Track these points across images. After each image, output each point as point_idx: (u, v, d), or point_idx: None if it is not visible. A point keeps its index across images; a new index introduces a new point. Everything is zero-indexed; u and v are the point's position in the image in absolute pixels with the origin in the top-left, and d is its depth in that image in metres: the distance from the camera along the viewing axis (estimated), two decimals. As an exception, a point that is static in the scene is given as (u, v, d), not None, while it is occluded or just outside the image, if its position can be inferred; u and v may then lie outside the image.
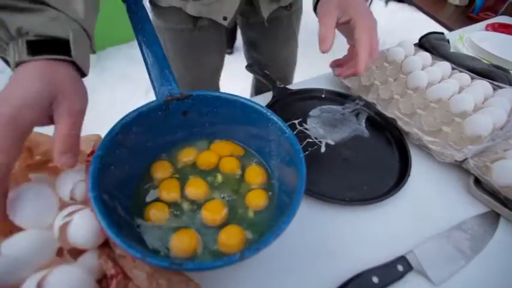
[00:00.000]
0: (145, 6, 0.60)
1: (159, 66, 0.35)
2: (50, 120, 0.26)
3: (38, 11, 0.27)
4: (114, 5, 2.03)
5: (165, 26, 0.63)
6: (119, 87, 1.75)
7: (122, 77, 1.81)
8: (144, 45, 0.37)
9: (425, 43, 0.67)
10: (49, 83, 0.25)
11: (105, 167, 0.27)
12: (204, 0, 0.55)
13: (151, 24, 0.39)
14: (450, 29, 1.10)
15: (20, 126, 0.23)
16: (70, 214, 0.25)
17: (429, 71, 0.53)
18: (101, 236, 0.26)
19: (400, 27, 2.67)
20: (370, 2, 2.31)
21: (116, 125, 0.29)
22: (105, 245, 0.26)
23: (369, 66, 0.52)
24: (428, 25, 1.23)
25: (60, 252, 0.25)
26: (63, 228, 0.25)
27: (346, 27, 0.40)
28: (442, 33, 0.70)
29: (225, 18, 0.57)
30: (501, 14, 1.11)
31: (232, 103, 0.33)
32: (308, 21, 0.72)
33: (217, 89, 0.91)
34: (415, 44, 0.67)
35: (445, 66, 0.56)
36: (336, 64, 0.46)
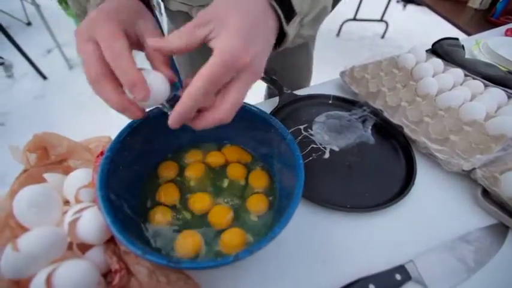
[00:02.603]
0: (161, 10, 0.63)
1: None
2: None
3: None
4: None
5: (174, 28, 0.66)
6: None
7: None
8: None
9: (438, 49, 0.66)
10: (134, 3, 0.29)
11: (113, 168, 0.28)
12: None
13: (161, 29, 0.41)
14: (469, 34, 1.07)
15: (117, 20, 0.26)
16: (79, 211, 0.27)
17: (440, 78, 0.52)
18: (107, 233, 0.27)
19: (418, 30, 2.61)
20: (387, 5, 2.27)
21: (125, 128, 0.31)
22: (111, 241, 0.28)
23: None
24: (447, 29, 1.20)
25: (69, 247, 0.27)
26: (73, 224, 0.26)
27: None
28: (457, 39, 0.68)
29: None
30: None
31: (237, 109, 0.34)
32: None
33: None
34: (427, 50, 0.66)
35: (458, 73, 0.55)
36: None
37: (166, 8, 0.63)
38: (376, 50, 2.27)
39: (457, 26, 1.14)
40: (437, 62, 0.57)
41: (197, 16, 0.25)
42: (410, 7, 2.85)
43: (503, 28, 0.90)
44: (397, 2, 2.87)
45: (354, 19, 2.29)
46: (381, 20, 2.34)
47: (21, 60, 1.79)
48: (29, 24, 2.48)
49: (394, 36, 2.44)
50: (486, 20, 1.16)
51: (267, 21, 0.27)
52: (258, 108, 0.34)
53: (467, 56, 0.70)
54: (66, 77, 1.90)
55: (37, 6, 1.72)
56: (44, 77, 1.86)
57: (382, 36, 2.41)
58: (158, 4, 0.54)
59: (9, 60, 1.92)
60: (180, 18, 0.63)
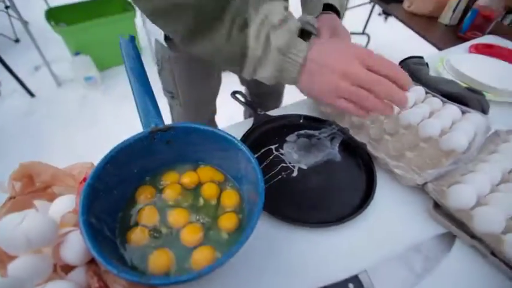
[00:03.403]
0: (158, 41, 0.66)
1: (145, 101, 0.40)
2: None
3: None
4: (116, 23, 2.14)
5: (177, 56, 0.69)
6: (121, 104, 1.83)
7: (124, 95, 1.90)
8: (133, 82, 0.42)
9: (404, 67, 0.71)
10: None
11: (94, 194, 0.31)
12: None
13: (140, 62, 0.44)
14: (440, 49, 1.14)
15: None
16: (63, 235, 0.30)
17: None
18: (89, 254, 0.30)
19: (399, 43, 2.71)
20: (368, 18, 2.38)
21: (106, 156, 0.34)
22: (92, 262, 0.31)
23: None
24: (425, 42, 1.28)
25: (54, 268, 0.30)
26: (57, 247, 0.29)
27: None
28: (421, 57, 0.74)
29: None
30: (489, 33, 1.15)
31: (208, 134, 0.38)
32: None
33: (215, 109, 0.97)
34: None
35: (419, 90, 0.60)
36: None
37: (169, 39, 0.65)
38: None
39: (429, 42, 1.21)
40: (401, 82, 0.62)
41: None
42: (392, 20, 2.98)
43: (467, 44, 0.97)
44: (379, 14, 2.99)
45: (337, 32, 2.38)
46: (363, 33, 2.44)
47: (9, 77, 1.80)
48: (17, 41, 2.49)
49: (376, 48, 2.55)
50: (455, 36, 1.24)
51: None
52: (228, 134, 0.37)
53: (433, 72, 0.76)
54: (54, 94, 1.91)
55: (25, 23, 1.73)
56: (32, 95, 1.86)
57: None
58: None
59: (-4, 78, 1.93)
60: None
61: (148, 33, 1.99)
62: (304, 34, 0.41)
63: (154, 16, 0.40)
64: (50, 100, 1.86)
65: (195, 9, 0.36)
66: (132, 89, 0.42)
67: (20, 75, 1.85)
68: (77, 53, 1.78)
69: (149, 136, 0.38)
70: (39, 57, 1.84)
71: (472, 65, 0.76)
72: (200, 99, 0.86)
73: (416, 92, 0.59)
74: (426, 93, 0.61)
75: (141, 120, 0.39)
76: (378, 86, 0.34)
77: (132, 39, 0.45)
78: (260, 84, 0.41)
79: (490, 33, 1.16)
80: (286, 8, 0.39)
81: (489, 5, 1.10)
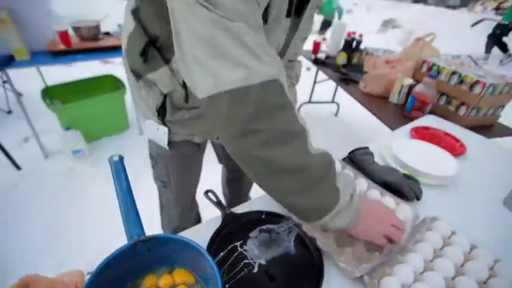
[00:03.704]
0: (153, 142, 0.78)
1: (129, 214, 0.49)
2: None
3: None
4: (107, 100, 2.31)
5: (172, 154, 0.79)
6: (108, 177, 1.87)
7: (112, 166, 1.96)
8: (120, 197, 0.51)
9: (352, 158, 0.85)
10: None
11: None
12: (207, 131, 0.74)
13: (127, 180, 0.54)
14: (391, 127, 1.33)
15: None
16: None
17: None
18: None
19: (362, 110, 3.05)
20: (336, 89, 2.69)
21: (95, 271, 0.42)
22: None
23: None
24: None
25: None
26: None
27: None
28: (367, 148, 0.89)
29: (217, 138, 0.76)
30: (429, 113, 1.37)
31: (182, 243, 0.46)
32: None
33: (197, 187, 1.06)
34: (344, 158, 0.86)
35: (363, 183, 0.72)
36: None
37: (169, 142, 0.75)
38: (331, 128, 2.61)
39: (381, 120, 1.41)
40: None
41: None
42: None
43: (409, 126, 1.15)
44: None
45: (309, 102, 2.68)
46: (333, 102, 2.75)
47: (-3, 150, 1.85)
48: (9, 112, 2.60)
49: (346, 114, 2.84)
50: (402, 114, 1.45)
51: None
52: (197, 244, 0.46)
53: (379, 158, 0.91)
54: (40, 166, 1.96)
55: (18, 95, 1.80)
56: (18, 167, 1.90)
57: (336, 115, 2.79)
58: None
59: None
60: (182, 145, 0.77)
61: (136, 111, 2.16)
62: None
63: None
64: (36, 173, 1.89)
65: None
66: (119, 202, 0.51)
67: (9, 146, 1.90)
68: (67, 128, 1.89)
69: (132, 247, 0.46)
70: (29, 129, 1.91)
71: (410, 151, 0.91)
72: (190, 184, 0.97)
73: (360, 184, 0.72)
74: (368, 184, 0.73)
75: (125, 232, 0.48)
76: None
77: (122, 159, 0.56)
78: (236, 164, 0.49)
79: (430, 112, 1.38)
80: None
81: (424, 92, 1.34)
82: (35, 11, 1.69)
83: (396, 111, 1.50)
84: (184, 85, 0.62)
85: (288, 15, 0.54)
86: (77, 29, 1.91)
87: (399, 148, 0.92)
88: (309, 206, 0.47)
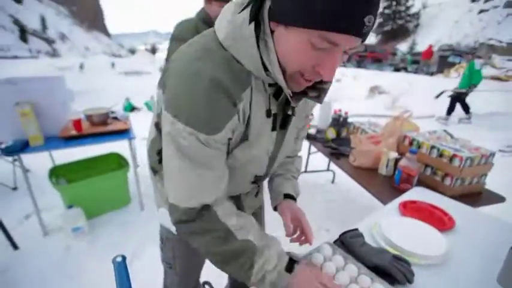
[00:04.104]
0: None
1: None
2: None
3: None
4: (111, 178, 2.40)
5: (179, 237, 0.83)
6: (105, 255, 1.84)
7: (110, 245, 1.95)
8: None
9: (343, 240, 0.89)
10: None
11: None
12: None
13: (128, 279, 0.58)
14: (381, 200, 1.39)
15: None
16: None
17: (340, 275, 0.72)
18: None
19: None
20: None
21: None
22: None
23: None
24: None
25: None
26: None
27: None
28: (356, 229, 0.93)
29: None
30: (417, 184, 1.44)
31: None
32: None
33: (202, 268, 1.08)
34: (335, 241, 0.89)
35: (352, 270, 0.75)
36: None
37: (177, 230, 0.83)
38: (329, 197, 2.65)
39: (372, 195, 1.48)
40: (339, 259, 0.78)
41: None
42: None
43: (398, 200, 1.20)
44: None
45: (305, 171, 2.78)
46: (328, 170, 2.85)
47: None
48: (15, 189, 2.67)
49: (342, 181, 2.91)
50: (391, 186, 1.52)
51: None
52: None
53: (369, 237, 0.94)
54: (38, 244, 1.94)
55: (25, 172, 1.85)
56: (16, 247, 1.88)
57: (332, 182, 2.86)
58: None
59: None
60: None
61: (138, 185, 2.24)
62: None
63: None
64: (33, 253, 1.86)
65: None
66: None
67: (10, 224, 1.91)
68: (70, 206, 1.94)
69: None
70: (32, 205, 1.93)
71: (399, 229, 0.94)
72: (194, 268, 0.99)
73: (350, 270, 0.75)
74: (359, 269, 0.76)
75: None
76: None
77: (124, 259, 0.61)
78: None
79: (419, 182, 1.46)
80: (279, 254, 0.65)
81: (408, 165, 1.44)
82: (54, 103, 1.93)
83: (385, 182, 1.58)
84: None
85: (274, 129, 0.67)
86: (89, 117, 2.13)
87: (388, 227, 0.96)
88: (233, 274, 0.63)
